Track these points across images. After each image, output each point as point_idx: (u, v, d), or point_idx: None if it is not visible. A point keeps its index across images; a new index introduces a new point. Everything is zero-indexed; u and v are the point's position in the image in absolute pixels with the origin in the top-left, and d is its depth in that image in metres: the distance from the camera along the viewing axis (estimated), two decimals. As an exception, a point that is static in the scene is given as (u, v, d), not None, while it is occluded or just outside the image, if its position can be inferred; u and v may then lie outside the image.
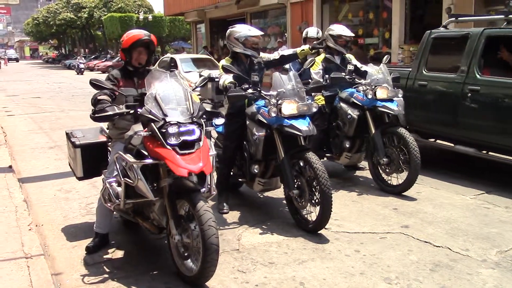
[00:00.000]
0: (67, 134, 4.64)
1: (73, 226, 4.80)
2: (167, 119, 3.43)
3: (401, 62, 13.55)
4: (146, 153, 3.49)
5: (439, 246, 4.14)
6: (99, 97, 3.76)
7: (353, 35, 6.27)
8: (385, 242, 4.28)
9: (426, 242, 4.24)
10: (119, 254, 4.15)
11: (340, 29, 6.12)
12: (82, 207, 5.29)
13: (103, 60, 42.10)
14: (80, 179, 4.61)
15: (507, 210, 4.99)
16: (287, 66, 6.70)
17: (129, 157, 3.54)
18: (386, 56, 6.22)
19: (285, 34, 19.08)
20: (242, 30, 5.04)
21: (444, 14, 12.13)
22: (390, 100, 5.63)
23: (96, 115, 3.64)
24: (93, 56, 48.38)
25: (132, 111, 3.66)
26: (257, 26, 19.93)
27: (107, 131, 4.37)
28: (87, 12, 49.76)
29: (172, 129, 3.39)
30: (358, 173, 6.55)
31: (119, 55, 4.21)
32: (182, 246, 3.53)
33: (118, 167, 3.70)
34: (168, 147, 3.38)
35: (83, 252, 4.13)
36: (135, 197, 3.70)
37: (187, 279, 3.53)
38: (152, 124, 3.44)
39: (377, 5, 15.43)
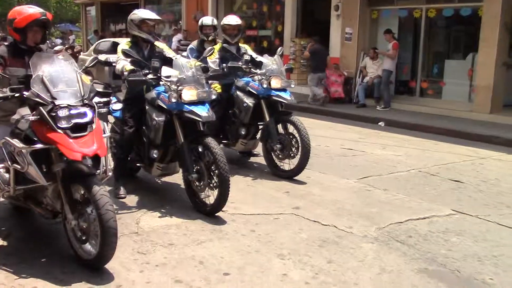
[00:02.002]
0: None
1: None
2: (57, 102, 3.33)
3: (293, 54, 14.15)
4: (35, 138, 3.38)
5: (327, 225, 4.49)
6: None
7: (239, 23, 6.40)
8: (278, 222, 4.55)
9: (315, 221, 4.57)
10: (11, 240, 3.99)
11: (226, 19, 6.38)
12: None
13: (-21, 39, 38.78)
14: None
15: (385, 192, 5.51)
16: (184, 53, 6.77)
17: (17, 143, 3.38)
18: (280, 48, 6.53)
19: (180, 22, 18.94)
20: (139, 12, 5.06)
21: (332, 10, 12.84)
22: (284, 89, 5.93)
23: None
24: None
25: (17, 95, 3.48)
26: (151, 11, 19.52)
27: None
28: (-40, -14, 45.40)
29: (62, 112, 3.30)
30: (252, 159, 6.81)
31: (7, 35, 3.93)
32: (79, 230, 3.47)
33: (5, 152, 3.54)
34: (60, 131, 3.30)
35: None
36: (26, 183, 3.56)
37: (86, 263, 3.50)
38: (41, 108, 3.32)
39: (271, -1, 15.89)
